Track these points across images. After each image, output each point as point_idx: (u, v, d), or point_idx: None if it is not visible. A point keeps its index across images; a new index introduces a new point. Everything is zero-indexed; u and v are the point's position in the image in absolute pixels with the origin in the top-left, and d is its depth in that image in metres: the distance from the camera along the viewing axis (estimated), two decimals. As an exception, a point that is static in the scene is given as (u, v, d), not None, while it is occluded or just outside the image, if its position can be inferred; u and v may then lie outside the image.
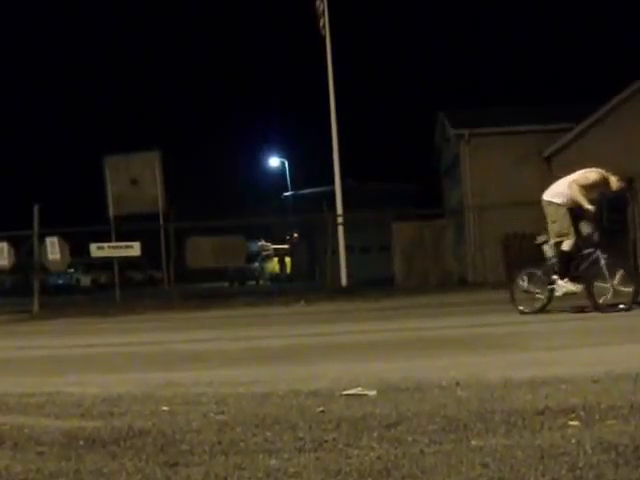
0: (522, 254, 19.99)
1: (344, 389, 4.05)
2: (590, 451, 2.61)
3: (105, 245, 18.10)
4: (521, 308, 9.06)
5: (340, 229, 19.27)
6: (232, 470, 2.63)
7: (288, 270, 43.68)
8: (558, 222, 9.10)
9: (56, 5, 70.65)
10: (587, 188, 9.23)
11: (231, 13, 74.93)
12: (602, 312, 8.36)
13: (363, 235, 25.15)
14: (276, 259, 44.16)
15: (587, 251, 9.07)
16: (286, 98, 67.40)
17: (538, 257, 9.54)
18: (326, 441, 2.99)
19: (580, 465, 2.46)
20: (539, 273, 9.30)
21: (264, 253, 41.80)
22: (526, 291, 9.27)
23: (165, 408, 3.81)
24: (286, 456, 2.80)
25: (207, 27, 76.47)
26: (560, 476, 2.36)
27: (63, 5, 72.20)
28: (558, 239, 9.09)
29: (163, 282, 18.81)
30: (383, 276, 20.07)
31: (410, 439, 2.95)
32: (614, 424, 3.01)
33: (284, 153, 46.43)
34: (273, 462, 2.72)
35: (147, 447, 3.03)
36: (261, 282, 37.59)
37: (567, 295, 8.97)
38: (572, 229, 9.02)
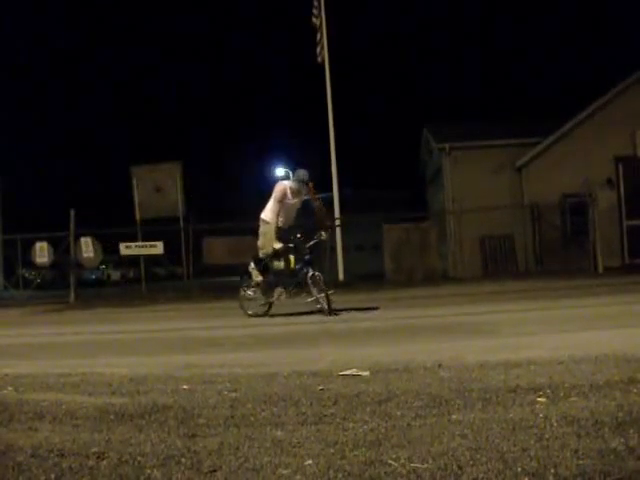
0: (496, 252, 20.05)
1: (341, 370, 4.05)
2: (555, 424, 2.62)
3: (132, 245, 18.10)
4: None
5: (338, 230, 19.26)
6: (243, 440, 2.63)
7: (292, 266, 43.62)
8: (261, 237, 8.94)
9: (98, 28, 70.60)
10: (281, 201, 8.83)
11: (235, 39, 74.92)
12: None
13: (358, 235, 25.08)
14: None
15: (297, 266, 8.94)
16: (292, 117, 67.56)
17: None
18: (325, 415, 2.99)
19: (547, 436, 2.46)
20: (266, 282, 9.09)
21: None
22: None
23: (185, 387, 3.80)
24: (290, 428, 2.80)
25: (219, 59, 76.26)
26: (529, 446, 2.36)
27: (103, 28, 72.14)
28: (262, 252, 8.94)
29: (183, 277, 18.78)
30: (375, 272, 19.99)
31: (399, 413, 2.96)
32: (576, 400, 3.01)
33: (289, 164, 46.41)
34: (279, 434, 2.72)
35: (169, 420, 3.03)
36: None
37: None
38: (272, 243, 8.79)
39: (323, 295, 8.68)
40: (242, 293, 9.28)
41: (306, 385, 3.69)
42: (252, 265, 9.18)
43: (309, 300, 8.79)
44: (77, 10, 70.27)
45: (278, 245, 8.82)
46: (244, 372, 4.21)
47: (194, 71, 75.51)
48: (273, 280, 9.11)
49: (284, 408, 3.15)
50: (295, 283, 9.01)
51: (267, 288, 9.12)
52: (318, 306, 8.68)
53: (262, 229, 9.01)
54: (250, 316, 8.97)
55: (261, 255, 9.06)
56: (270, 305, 9.12)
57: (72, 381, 4.12)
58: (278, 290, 9.09)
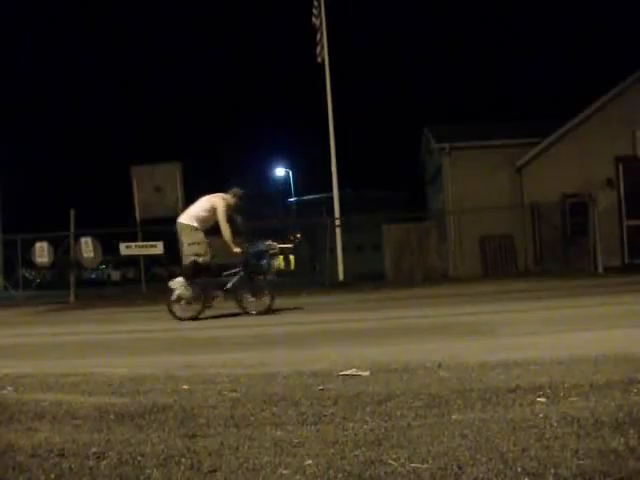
0: (496, 252, 20.04)
1: (341, 370, 4.05)
2: (555, 424, 2.62)
3: (132, 245, 18.10)
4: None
5: (337, 230, 19.25)
6: (243, 441, 2.63)
7: (292, 266, 43.68)
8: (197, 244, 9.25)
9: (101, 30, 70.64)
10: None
11: (235, 39, 74.96)
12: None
13: (358, 236, 25.08)
14: (281, 257, 44.13)
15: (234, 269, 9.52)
16: (292, 118, 67.60)
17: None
18: (325, 415, 2.99)
19: (547, 436, 2.46)
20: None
21: (271, 251, 41.61)
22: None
23: (185, 387, 3.80)
24: (290, 428, 2.80)
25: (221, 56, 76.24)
26: (529, 446, 2.36)
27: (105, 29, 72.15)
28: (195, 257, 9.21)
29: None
30: (375, 272, 19.98)
31: (399, 413, 2.96)
32: (576, 400, 3.01)
33: (289, 164, 46.46)
34: (279, 434, 2.72)
35: (169, 421, 3.03)
36: (268, 277, 37.43)
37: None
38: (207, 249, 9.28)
39: (257, 298, 9.35)
40: (172, 298, 9.28)
41: (306, 385, 3.69)
42: (179, 279, 9.29)
43: (250, 300, 9.37)
44: (77, 9, 70.30)
45: (238, 249, 9.32)
46: (244, 372, 4.20)
47: (194, 71, 75.54)
48: (211, 284, 9.36)
49: (284, 408, 3.15)
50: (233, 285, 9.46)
51: (200, 292, 9.26)
52: (253, 312, 9.18)
53: (194, 237, 9.24)
54: (180, 319, 8.99)
55: (201, 261, 9.22)
56: (202, 308, 9.23)
57: (72, 381, 4.12)
58: (215, 293, 9.39)
